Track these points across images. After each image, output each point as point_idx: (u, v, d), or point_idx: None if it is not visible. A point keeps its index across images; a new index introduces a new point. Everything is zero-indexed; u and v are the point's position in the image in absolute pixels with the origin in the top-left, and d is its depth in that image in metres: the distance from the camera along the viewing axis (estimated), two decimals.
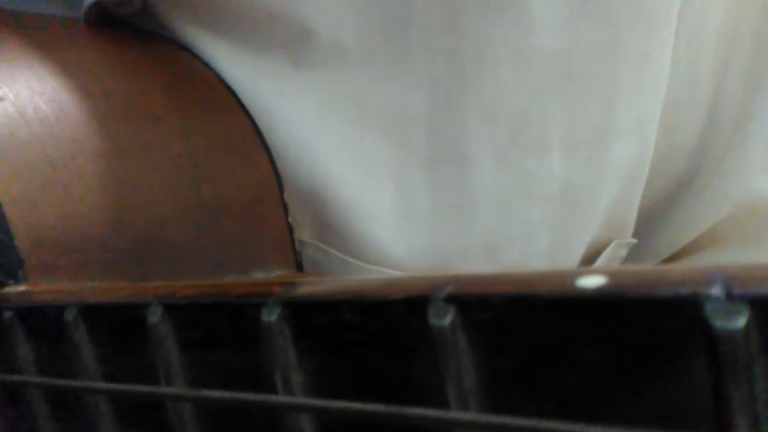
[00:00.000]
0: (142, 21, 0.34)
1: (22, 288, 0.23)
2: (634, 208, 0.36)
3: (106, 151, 0.28)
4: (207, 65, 0.34)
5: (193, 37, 0.33)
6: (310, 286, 0.14)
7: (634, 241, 0.37)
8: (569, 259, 0.35)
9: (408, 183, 0.32)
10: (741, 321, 0.08)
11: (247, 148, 0.34)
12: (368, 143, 0.32)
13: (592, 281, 0.10)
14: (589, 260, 0.36)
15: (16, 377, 0.18)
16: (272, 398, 0.13)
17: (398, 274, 0.33)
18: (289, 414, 0.13)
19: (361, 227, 0.33)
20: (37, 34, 0.30)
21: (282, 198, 0.34)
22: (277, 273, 0.33)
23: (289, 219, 0.34)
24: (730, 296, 0.09)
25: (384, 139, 0.32)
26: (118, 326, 0.17)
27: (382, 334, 0.12)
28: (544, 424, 0.09)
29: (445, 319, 0.11)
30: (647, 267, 0.10)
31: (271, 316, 0.13)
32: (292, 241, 0.34)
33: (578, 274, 0.11)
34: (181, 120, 0.32)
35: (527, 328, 0.10)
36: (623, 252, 0.37)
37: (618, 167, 0.34)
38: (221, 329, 0.15)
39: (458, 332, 0.11)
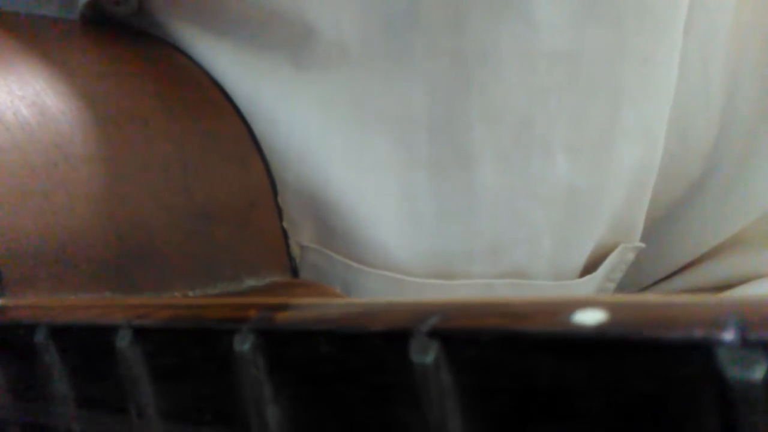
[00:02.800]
0: (139, 21, 0.33)
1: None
2: (642, 212, 0.36)
3: (90, 157, 0.27)
4: (201, 67, 0.34)
5: (191, 38, 0.32)
6: (289, 312, 0.13)
7: (642, 245, 0.37)
8: (573, 262, 0.34)
9: (411, 186, 0.32)
10: (758, 371, 0.07)
11: (240, 151, 0.33)
12: (371, 146, 0.32)
13: (590, 317, 0.09)
14: (594, 263, 0.36)
15: None
16: None
17: (405, 278, 0.32)
18: None
19: (364, 231, 0.32)
20: (19, 35, 0.29)
21: (276, 202, 0.33)
22: (270, 280, 0.32)
23: (284, 223, 0.33)
24: (745, 342, 0.08)
25: (387, 142, 0.32)
26: (88, 349, 0.16)
27: (360, 369, 0.11)
28: None
29: (427, 355, 0.10)
30: (651, 299, 0.09)
31: (244, 345, 0.12)
32: (287, 246, 0.33)
33: (575, 306, 0.09)
34: (171, 123, 0.31)
35: (518, 369, 0.09)
36: (631, 256, 0.37)
37: (624, 170, 0.34)
38: (194, 356, 0.14)
39: (442, 371, 0.10)
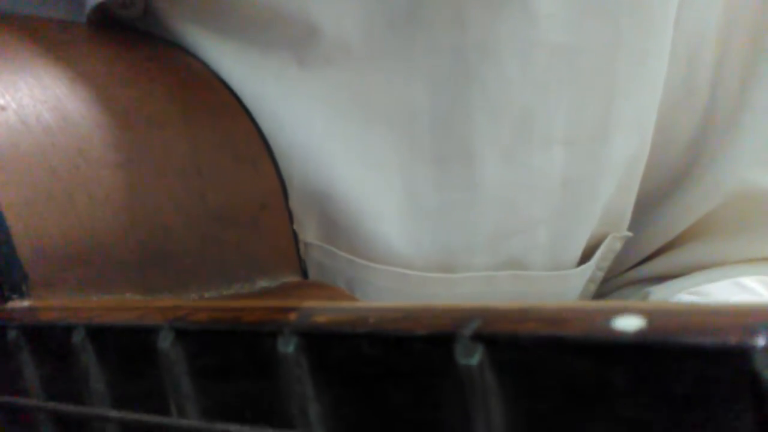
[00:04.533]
0: (144, 24, 0.34)
1: (26, 303, 0.22)
2: (631, 202, 0.36)
3: (109, 161, 0.27)
4: (210, 69, 0.34)
5: (196, 39, 0.33)
6: (328, 314, 0.13)
7: (630, 234, 0.37)
8: (569, 252, 0.35)
9: (414, 180, 0.33)
10: None
11: (252, 154, 0.33)
12: (374, 142, 0.32)
13: (629, 323, 0.10)
14: (586, 254, 0.36)
15: (25, 400, 0.18)
16: None
17: (408, 272, 0.33)
18: None
19: (368, 226, 0.33)
20: (39, 40, 0.30)
21: (286, 205, 0.33)
22: (282, 281, 0.33)
23: (294, 226, 0.33)
24: None
25: (390, 138, 0.32)
26: (127, 349, 0.16)
27: (404, 370, 0.12)
28: None
29: (473, 358, 0.11)
30: (685, 306, 0.10)
31: (288, 347, 0.13)
32: (297, 248, 0.34)
33: (612, 313, 0.10)
34: (186, 126, 0.32)
35: (559, 371, 0.10)
36: (618, 245, 0.37)
37: (617, 162, 0.34)
38: (235, 357, 0.14)
39: (486, 372, 0.11)
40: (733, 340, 0.08)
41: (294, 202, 0.33)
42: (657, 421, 0.09)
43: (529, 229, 0.33)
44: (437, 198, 0.32)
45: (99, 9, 0.32)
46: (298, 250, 0.34)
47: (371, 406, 0.12)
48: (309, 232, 0.34)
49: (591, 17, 0.31)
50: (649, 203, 0.38)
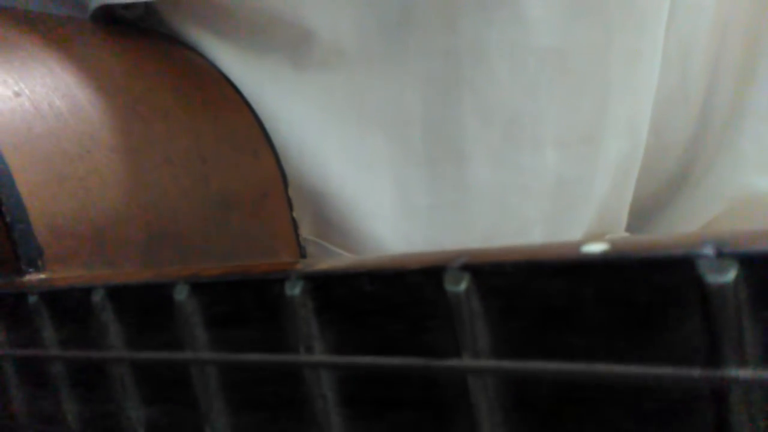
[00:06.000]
0: (146, 23, 0.35)
1: (42, 276, 0.24)
2: (626, 203, 0.37)
3: (118, 147, 0.29)
4: (212, 63, 0.35)
5: (195, 39, 0.34)
6: (330, 262, 0.15)
7: (627, 235, 0.38)
8: None
9: (406, 181, 0.33)
10: (730, 275, 0.09)
11: (253, 144, 0.35)
12: (367, 142, 0.33)
13: (595, 248, 0.11)
14: None
15: (43, 352, 0.19)
16: (295, 358, 0.14)
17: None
18: (311, 381, 0.14)
19: (361, 224, 0.34)
20: (50, 33, 0.31)
21: (287, 193, 0.34)
22: None
23: (294, 214, 0.35)
24: (720, 254, 0.10)
25: (383, 138, 0.33)
26: (144, 306, 0.18)
27: (400, 303, 0.13)
28: (552, 366, 0.10)
29: (460, 285, 0.12)
30: (644, 236, 0.11)
31: (294, 289, 0.14)
32: (297, 235, 0.35)
33: (582, 242, 0.12)
34: (189, 116, 0.33)
35: (537, 292, 0.11)
36: None
37: (610, 163, 0.35)
38: (246, 305, 0.16)
39: (472, 298, 0.12)
40: (680, 251, 0.10)
41: (291, 197, 0.34)
42: (620, 328, 0.11)
43: (523, 231, 0.34)
44: (429, 198, 0.33)
45: (102, 9, 0.33)
46: (298, 237, 0.35)
47: (371, 339, 0.14)
48: (304, 228, 0.35)
49: (581, 20, 0.32)
50: (649, 207, 0.38)
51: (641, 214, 0.38)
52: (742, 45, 0.36)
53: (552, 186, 0.34)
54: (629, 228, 0.38)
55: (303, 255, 0.36)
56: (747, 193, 0.36)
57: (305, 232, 0.35)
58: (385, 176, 0.33)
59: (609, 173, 0.35)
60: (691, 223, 0.38)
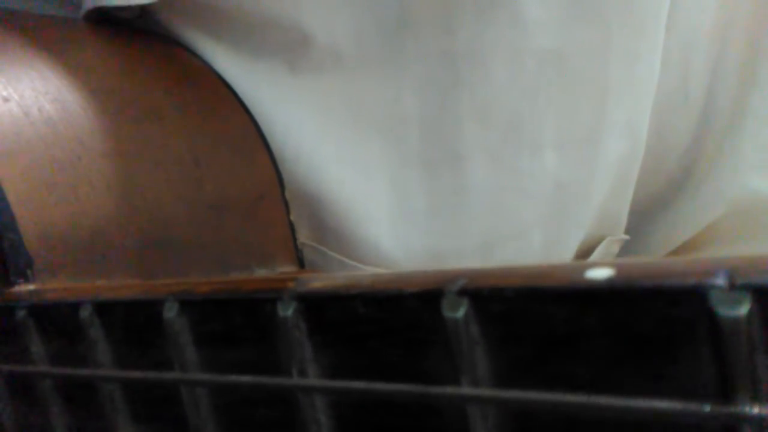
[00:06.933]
0: (141, 24, 0.34)
1: (31, 287, 0.23)
2: (626, 205, 0.37)
3: (110, 151, 0.28)
4: (207, 64, 0.35)
5: (190, 41, 0.34)
6: (324, 281, 0.14)
7: (627, 237, 0.38)
8: (563, 256, 0.35)
9: (404, 184, 0.33)
10: (744, 308, 0.09)
11: (248, 146, 0.34)
12: (364, 146, 0.33)
13: (601, 273, 0.10)
14: (582, 256, 0.36)
15: (32, 369, 0.19)
16: (290, 381, 0.13)
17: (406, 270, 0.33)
18: (305, 405, 0.14)
19: (358, 229, 0.33)
20: (39, 35, 0.31)
21: (283, 196, 0.34)
22: (280, 270, 0.34)
23: (291, 217, 0.34)
24: (733, 286, 0.09)
25: (380, 141, 0.33)
26: (133, 323, 0.17)
27: (395, 327, 0.12)
28: (555, 397, 0.10)
29: (458, 311, 0.11)
30: (652, 260, 0.11)
31: (287, 310, 0.14)
32: (294, 238, 0.34)
33: (587, 266, 0.11)
34: (183, 119, 0.32)
35: (539, 319, 0.11)
36: (615, 248, 0.38)
37: (610, 165, 0.34)
38: (237, 324, 0.15)
39: (471, 324, 0.11)
40: (691, 281, 0.09)
41: (288, 200, 0.34)
42: (626, 359, 0.10)
43: (522, 234, 0.34)
44: (426, 201, 0.33)
45: (96, 10, 0.32)
46: (295, 240, 0.34)
47: (365, 364, 0.13)
48: (301, 232, 0.35)
49: (580, 22, 0.31)
50: (650, 210, 0.38)
51: (642, 215, 0.38)
52: (744, 47, 0.36)
53: (551, 188, 0.33)
54: (629, 228, 0.38)
55: (300, 259, 0.35)
56: (748, 194, 0.36)
57: (302, 236, 0.35)
58: (383, 179, 0.33)
59: (608, 175, 0.35)
60: (692, 224, 0.37)
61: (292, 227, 0.34)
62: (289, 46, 0.32)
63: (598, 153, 0.34)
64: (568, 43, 0.32)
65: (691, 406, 0.09)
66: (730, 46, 0.36)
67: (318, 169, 0.33)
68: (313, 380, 0.13)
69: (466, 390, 0.11)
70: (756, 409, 0.09)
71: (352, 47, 0.31)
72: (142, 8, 0.33)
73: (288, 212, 0.34)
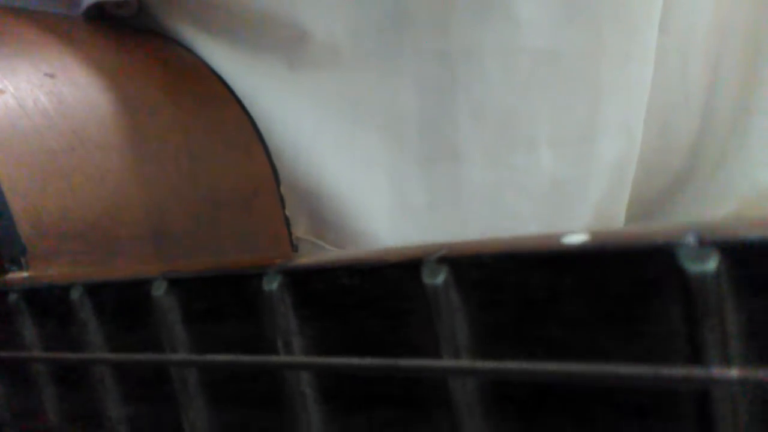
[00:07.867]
0: (139, 22, 0.35)
1: (25, 275, 0.23)
2: (623, 203, 0.37)
3: (104, 143, 0.28)
4: (203, 61, 0.35)
5: (188, 38, 0.34)
6: (309, 257, 0.14)
7: None
8: None
9: (402, 180, 0.33)
10: (711, 264, 0.09)
11: (244, 141, 0.34)
12: (363, 142, 0.33)
13: (575, 238, 0.11)
14: None
15: (24, 354, 0.19)
16: (273, 359, 0.13)
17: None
18: (290, 379, 0.14)
19: (357, 224, 0.34)
20: (36, 29, 0.31)
21: (278, 190, 0.34)
22: None
23: (286, 212, 0.34)
24: (701, 243, 0.09)
25: (378, 138, 0.33)
26: (123, 302, 0.17)
27: (378, 297, 0.13)
28: (532, 366, 0.10)
29: (438, 278, 0.12)
30: (625, 228, 0.11)
31: (272, 284, 0.14)
32: (290, 233, 0.34)
33: (562, 234, 0.11)
34: (178, 113, 0.33)
35: (516, 284, 0.11)
36: None
37: (605, 163, 0.35)
38: (224, 300, 0.15)
39: (451, 290, 0.12)
40: (660, 240, 0.10)
41: (285, 196, 0.34)
42: (601, 320, 0.10)
43: (519, 230, 0.34)
44: (424, 197, 0.33)
45: (94, 7, 0.33)
46: (290, 234, 0.34)
47: (350, 335, 0.13)
48: (299, 228, 0.35)
49: (573, 23, 0.32)
50: (656, 206, 0.38)
51: (648, 214, 0.38)
52: (744, 44, 0.36)
53: (546, 185, 0.34)
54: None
55: (296, 252, 0.35)
56: (756, 190, 0.36)
57: (301, 231, 0.35)
58: (380, 175, 0.33)
59: (604, 174, 0.35)
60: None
61: (287, 222, 0.34)
62: (287, 43, 0.32)
63: (593, 152, 0.34)
64: (561, 44, 0.32)
65: (664, 371, 0.10)
66: (730, 45, 0.36)
67: (316, 164, 0.33)
68: (295, 357, 0.13)
69: (445, 362, 0.12)
70: (726, 372, 0.09)
71: (349, 44, 0.32)
72: (140, 6, 0.34)
73: (283, 207, 0.34)
